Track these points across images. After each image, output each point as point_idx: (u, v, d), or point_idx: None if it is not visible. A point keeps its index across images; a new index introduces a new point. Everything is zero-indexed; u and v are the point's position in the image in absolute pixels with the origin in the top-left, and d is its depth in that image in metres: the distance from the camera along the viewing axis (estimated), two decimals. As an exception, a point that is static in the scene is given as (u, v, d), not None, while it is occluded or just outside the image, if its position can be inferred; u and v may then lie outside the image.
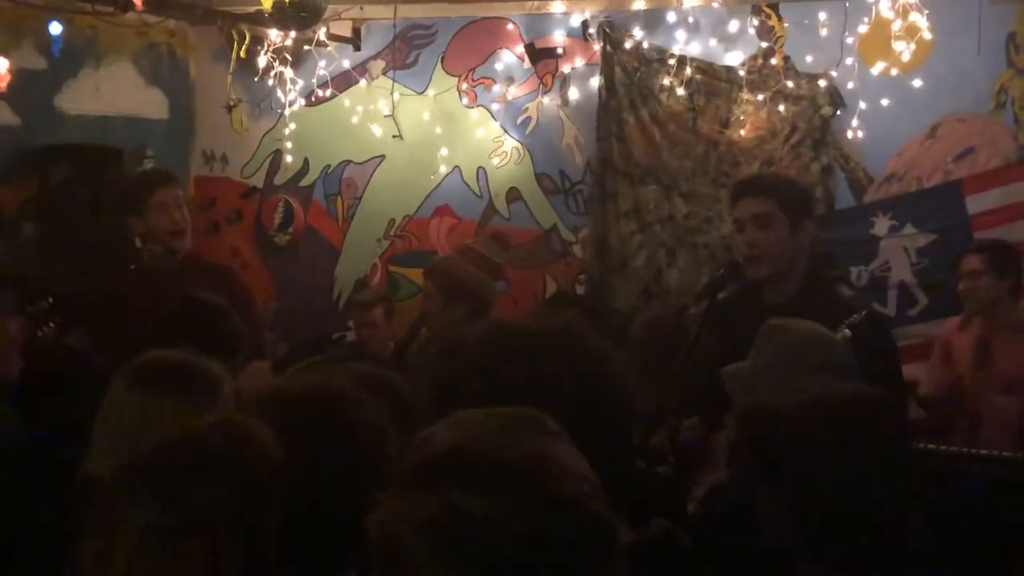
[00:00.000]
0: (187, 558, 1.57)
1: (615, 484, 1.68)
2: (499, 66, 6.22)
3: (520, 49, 6.16)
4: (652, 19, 5.88)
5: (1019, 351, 4.59)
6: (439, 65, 6.33)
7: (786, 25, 5.69)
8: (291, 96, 6.25)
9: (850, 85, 5.47)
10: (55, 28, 5.39)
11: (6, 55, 5.29)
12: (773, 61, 5.66)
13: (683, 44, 5.79)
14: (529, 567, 1.14)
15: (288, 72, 6.16)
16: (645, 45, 5.84)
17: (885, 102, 5.42)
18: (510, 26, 6.20)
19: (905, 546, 1.94)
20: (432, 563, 1.16)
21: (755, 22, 5.73)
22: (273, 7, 5.44)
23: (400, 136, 6.31)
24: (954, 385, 4.79)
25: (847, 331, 2.92)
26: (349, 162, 6.50)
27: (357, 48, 6.38)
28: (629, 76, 5.85)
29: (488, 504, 1.15)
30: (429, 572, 1.16)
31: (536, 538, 1.14)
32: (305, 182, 6.57)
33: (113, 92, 6.12)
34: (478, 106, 6.27)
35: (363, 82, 6.36)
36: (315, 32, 6.00)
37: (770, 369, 2.69)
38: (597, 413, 1.63)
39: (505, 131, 6.23)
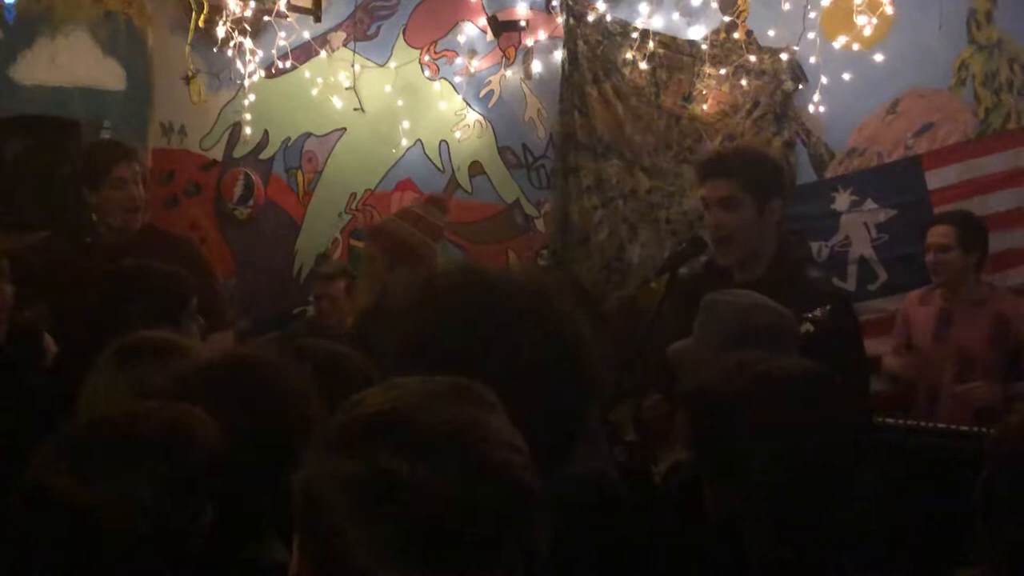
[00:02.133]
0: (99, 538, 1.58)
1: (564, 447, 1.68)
2: (461, 38, 6.17)
3: (483, 21, 6.12)
4: (615, -8, 5.86)
5: (978, 325, 4.62)
6: (401, 37, 6.28)
7: (749, -1, 5.69)
8: (250, 67, 6.17)
9: (812, 60, 5.47)
10: (9, -4, 5.30)
11: (-42, 24, 5.21)
12: (736, 35, 5.66)
13: (646, 18, 5.78)
14: (451, 532, 1.16)
15: (247, 43, 6.08)
16: (608, 18, 5.82)
17: (847, 77, 5.43)
18: (472, -2, 6.17)
19: (849, 521, 1.95)
20: (353, 522, 1.17)
21: (718, -4, 5.72)
22: (232, -23, 5.37)
23: (361, 109, 6.26)
24: (913, 357, 4.81)
25: (809, 326, 2.93)
26: (310, 135, 6.44)
27: (318, 19, 6.30)
28: (592, 49, 5.84)
29: (413, 467, 1.16)
30: (350, 531, 1.17)
31: (460, 504, 1.16)
32: (265, 155, 6.51)
33: (69, 62, 6.01)
34: (440, 79, 6.24)
35: (324, 54, 6.30)
36: (275, 2, 5.93)
37: (713, 344, 2.68)
38: (561, 375, 1.62)
39: (467, 104, 6.20)
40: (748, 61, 5.58)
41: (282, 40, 6.16)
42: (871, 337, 5.02)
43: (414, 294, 1.73)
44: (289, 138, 6.46)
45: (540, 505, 1.23)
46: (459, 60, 6.18)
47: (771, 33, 5.60)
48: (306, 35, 6.24)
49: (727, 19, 5.69)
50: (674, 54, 5.75)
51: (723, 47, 5.67)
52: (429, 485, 1.15)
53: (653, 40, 5.69)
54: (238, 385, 1.95)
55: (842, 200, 5.44)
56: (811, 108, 5.51)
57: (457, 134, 6.22)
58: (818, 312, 3.10)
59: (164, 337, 2.48)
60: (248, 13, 5.93)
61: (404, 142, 6.26)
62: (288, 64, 6.27)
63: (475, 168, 6.20)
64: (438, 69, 6.23)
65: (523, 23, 6.05)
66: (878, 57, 5.35)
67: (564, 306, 1.68)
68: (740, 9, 5.67)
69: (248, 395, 1.92)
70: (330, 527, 1.18)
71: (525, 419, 1.32)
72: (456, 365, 1.40)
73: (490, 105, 6.17)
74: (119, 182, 4.30)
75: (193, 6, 6.02)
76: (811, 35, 5.44)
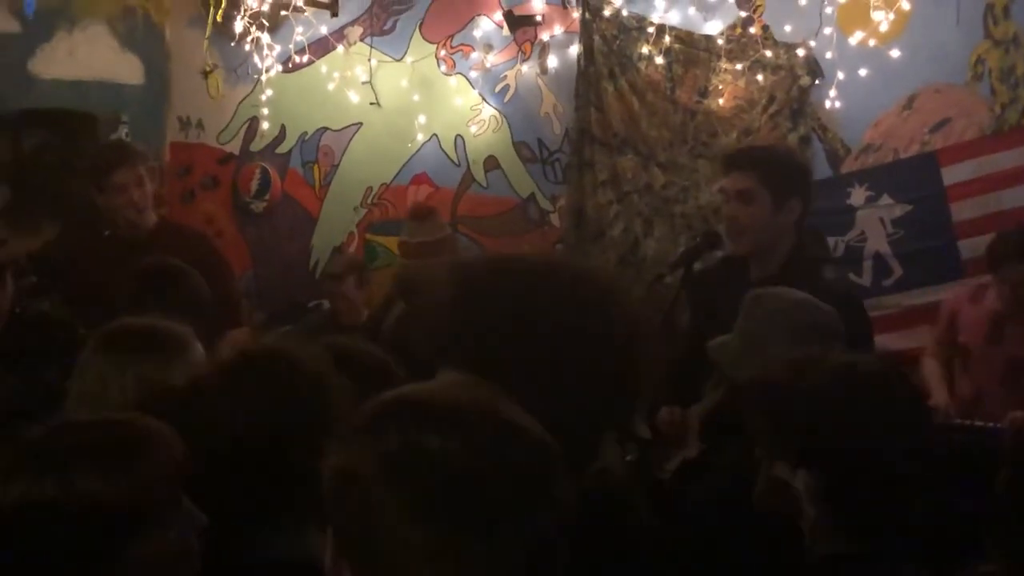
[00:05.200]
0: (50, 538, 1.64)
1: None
2: (478, 33, 6.18)
3: (499, 16, 6.12)
4: (631, -13, 5.85)
5: None
6: (417, 31, 6.29)
7: (765, -6, 5.67)
8: (268, 62, 6.20)
9: (828, 55, 5.45)
10: (28, -10, 5.33)
11: (-22, 18, 5.24)
12: (752, 30, 5.64)
13: (662, 12, 5.77)
14: (477, 493, 1.23)
15: (265, 37, 6.10)
16: (624, 13, 5.82)
17: (863, 72, 5.41)
18: (488, -8, 6.17)
19: (915, 516, 1.94)
20: (386, 491, 1.23)
21: (734, -9, 5.71)
22: (250, -29, 5.39)
23: (377, 103, 6.27)
24: (957, 356, 4.65)
25: None
26: (326, 129, 6.46)
27: (335, 13, 6.32)
28: (608, 44, 5.83)
29: (441, 440, 1.24)
30: (384, 500, 1.23)
31: (484, 466, 1.23)
32: (282, 149, 6.53)
33: (88, 56, 6.05)
34: (456, 73, 6.24)
35: (340, 48, 6.32)
36: (292, -3, 5.96)
37: (758, 340, 2.69)
38: (611, 384, 1.60)
39: (483, 99, 6.20)
40: (764, 56, 5.57)
41: (299, 35, 6.18)
42: (886, 332, 5.05)
43: (447, 290, 1.70)
44: (306, 132, 6.48)
45: (560, 462, 1.29)
46: (475, 55, 6.19)
47: (787, 28, 5.58)
48: (323, 30, 6.26)
49: (743, 14, 5.68)
50: (690, 49, 5.74)
51: (739, 42, 5.66)
52: (455, 453, 1.23)
53: (669, 35, 5.69)
54: (257, 378, 1.98)
55: (858, 195, 5.43)
56: (827, 104, 5.50)
57: (473, 129, 6.23)
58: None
59: (147, 324, 2.51)
60: (266, 8, 5.97)
61: (420, 136, 6.27)
62: (305, 59, 6.29)
63: (490, 163, 6.21)
64: (454, 64, 6.24)
65: (539, 18, 6.04)
66: (894, 52, 5.34)
67: (627, 305, 1.67)
68: (757, 4, 5.66)
69: (275, 386, 1.95)
70: (365, 499, 1.24)
71: (560, 417, 1.33)
72: (498, 365, 1.47)
73: (506, 100, 6.18)
74: (120, 188, 4.36)
75: (211, 1, 6.04)
76: (827, 30, 5.42)
